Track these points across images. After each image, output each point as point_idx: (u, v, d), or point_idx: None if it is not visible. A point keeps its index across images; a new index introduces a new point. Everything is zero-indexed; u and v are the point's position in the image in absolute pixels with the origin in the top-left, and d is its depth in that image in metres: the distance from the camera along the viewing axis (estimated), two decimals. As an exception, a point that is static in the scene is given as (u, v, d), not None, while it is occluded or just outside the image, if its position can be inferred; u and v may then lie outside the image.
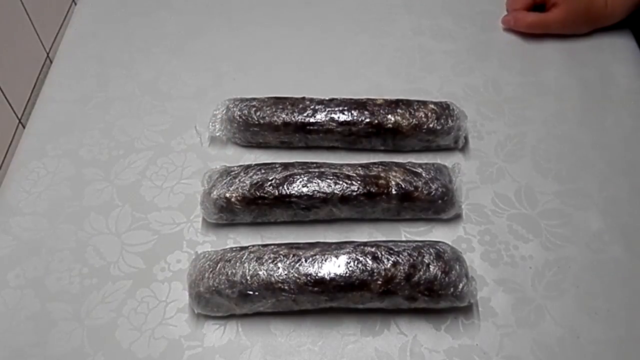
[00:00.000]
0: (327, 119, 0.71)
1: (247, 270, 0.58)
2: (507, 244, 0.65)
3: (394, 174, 0.65)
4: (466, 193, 0.69)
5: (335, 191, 0.64)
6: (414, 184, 0.65)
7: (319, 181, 0.64)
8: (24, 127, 0.78)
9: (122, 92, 0.80)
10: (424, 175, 0.66)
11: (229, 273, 0.58)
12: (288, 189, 0.64)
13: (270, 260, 0.59)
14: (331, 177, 0.65)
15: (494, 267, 0.64)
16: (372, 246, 0.60)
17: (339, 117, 0.71)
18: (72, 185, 0.71)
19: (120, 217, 0.68)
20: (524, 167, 0.72)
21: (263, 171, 0.66)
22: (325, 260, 0.58)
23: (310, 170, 0.66)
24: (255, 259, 0.59)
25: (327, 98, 0.73)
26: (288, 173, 0.65)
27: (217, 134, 0.73)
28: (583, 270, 0.63)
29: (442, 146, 0.72)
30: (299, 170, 0.66)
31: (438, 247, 0.60)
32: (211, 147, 0.74)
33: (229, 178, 0.66)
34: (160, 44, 0.86)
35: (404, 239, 0.66)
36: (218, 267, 0.59)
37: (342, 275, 0.58)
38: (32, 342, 0.60)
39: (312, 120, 0.71)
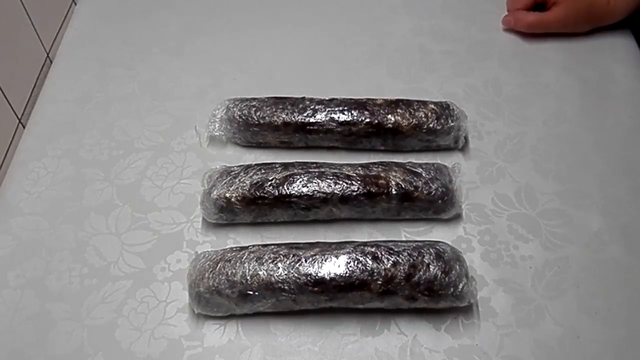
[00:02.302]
0: (327, 119, 0.71)
1: (247, 270, 0.58)
2: (507, 244, 0.65)
3: (394, 174, 0.65)
4: (466, 193, 0.69)
5: (335, 191, 0.64)
6: (414, 184, 0.65)
7: (319, 181, 0.64)
8: (24, 127, 0.78)
9: (122, 92, 0.80)
10: (424, 175, 0.66)
11: (229, 273, 0.58)
12: (288, 189, 0.64)
13: (270, 260, 0.59)
14: (331, 177, 0.65)
15: (494, 267, 0.64)
16: (372, 246, 0.60)
17: (339, 117, 0.71)
18: (72, 185, 0.71)
19: (120, 217, 0.68)
20: (524, 167, 0.72)
21: (263, 171, 0.66)
22: (325, 260, 0.58)
23: (310, 170, 0.66)
24: (255, 259, 0.59)
25: (327, 98, 0.73)
26: (288, 173, 0.65)
27: (217, 134, 0.73)
28: (583, 270, 0.63)
29: (442, 146, 0.72)
30: (299, 171, 0.66)
31: (438, 247, 0.60)
32: (211, 147, 0.74)
33: (229, 178, 0.66)
34: (160, 44, 0.86)
35: (404, 239, 0.66)
36: (218, 267, 0.59)
37: (342, 275, 0.58)
38: (32, 342, 0.60)
39: (312, 120, 0.71)
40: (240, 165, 0.68)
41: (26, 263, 0.65)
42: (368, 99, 0.73)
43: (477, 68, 0.82)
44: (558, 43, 0.84)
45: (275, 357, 0.58)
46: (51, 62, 0.86)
